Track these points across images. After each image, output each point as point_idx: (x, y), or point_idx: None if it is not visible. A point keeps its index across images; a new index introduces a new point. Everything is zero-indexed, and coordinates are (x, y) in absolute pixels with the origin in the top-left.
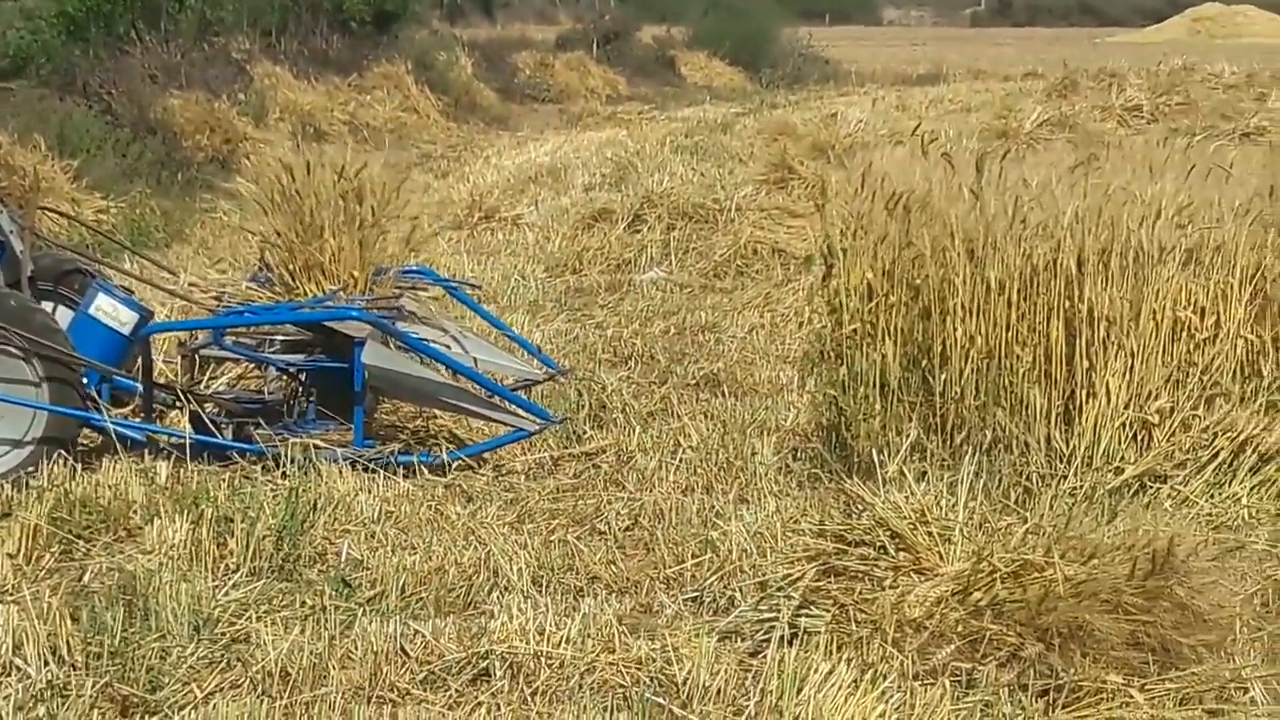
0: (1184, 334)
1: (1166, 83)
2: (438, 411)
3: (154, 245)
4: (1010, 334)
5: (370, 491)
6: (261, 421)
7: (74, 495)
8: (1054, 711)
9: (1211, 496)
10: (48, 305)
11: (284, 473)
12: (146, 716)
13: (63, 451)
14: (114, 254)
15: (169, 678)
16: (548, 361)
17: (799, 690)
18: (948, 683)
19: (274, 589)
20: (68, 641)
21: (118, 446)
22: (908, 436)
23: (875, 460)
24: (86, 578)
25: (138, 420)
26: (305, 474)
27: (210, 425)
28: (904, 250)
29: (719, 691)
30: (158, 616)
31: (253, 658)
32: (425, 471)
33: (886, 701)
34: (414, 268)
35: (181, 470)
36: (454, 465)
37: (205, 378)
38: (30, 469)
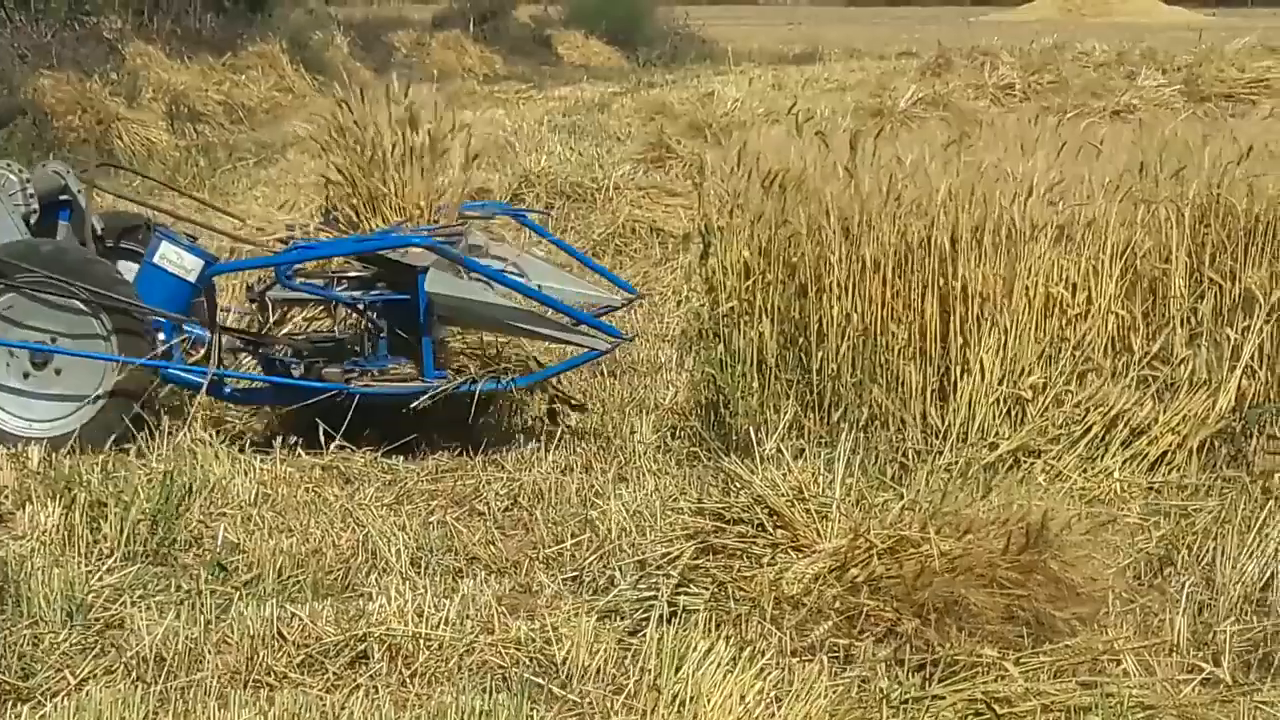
0: (1056, 310)
1: (1038, 61)
2: (507, 337)
3: None
4: (886, 311)
5: (246, 474)
6: (330, 360)
7: None
8: (930, 685)
9: (1084, 471)
10: (117, 261)
11: (158, 456)
12: (19, 704)
13: (136, 405)
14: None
15: (41, 665)
16: (624, 285)
17: (678, 668)
18: (825, 659)
19: (149, 574)
20: None
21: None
22: (785, 414)
23: (753, 438)
24: None
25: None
26: (179, 457)
27: (281, 367)
28: (780, 229)
29: (598, 671)
30: (30, 603)
31: (127, 643)
32: (302, 453)
33: (764, 678)
34: (484, 203)
35: (54, 455)
36: (333, 445)
37: (273, 322)
38: (102, 424)
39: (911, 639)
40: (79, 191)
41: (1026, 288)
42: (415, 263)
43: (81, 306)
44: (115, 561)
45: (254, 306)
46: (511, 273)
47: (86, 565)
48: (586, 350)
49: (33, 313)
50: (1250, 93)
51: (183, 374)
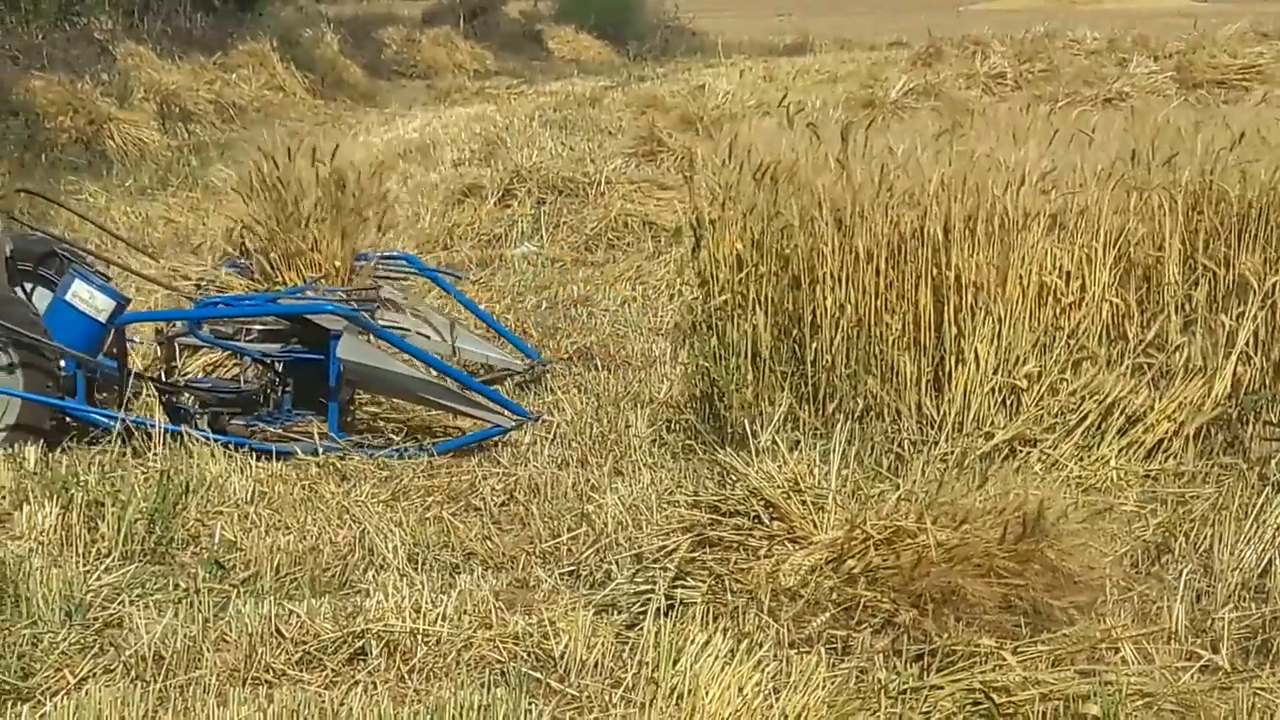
0: (1050, 299)
1: (1030, 49)
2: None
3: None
4: (879, 302)
5: (243, 472)
6: (237, 411)
7: None
8: (928, 676)
9: (1080, 459)
10: (28, 285)
11: (154, 454)
12: (19, 704)
13: (33, 438)
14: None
15: (41, 664)
16: (528, 351)
17: (676, 661)
18: (823, 650)
19: (146, 573)
20: None
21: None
22: (780, 406)
23: (748, 430)
24: None
25: (112, 409)
26: (176, 456)
27: (186, 416)
28: (772, 220)
29: (596, 665)
30: (29, 603)
31: (126, 642)
32: (299, 451)
33: (762, 670)
34: (396, 253)
35: (50, 455)
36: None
37: (182, 363)
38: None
39: (909, 629)
40: None
41: (1020, 276)
42: (328, 326)
43: None
44: (113, 561)
45: (163, 350)
46: (426, 336)
47: (84, 565)
48: (491, 425)
49: None
50: (1242, 79)
51: (88, 414)
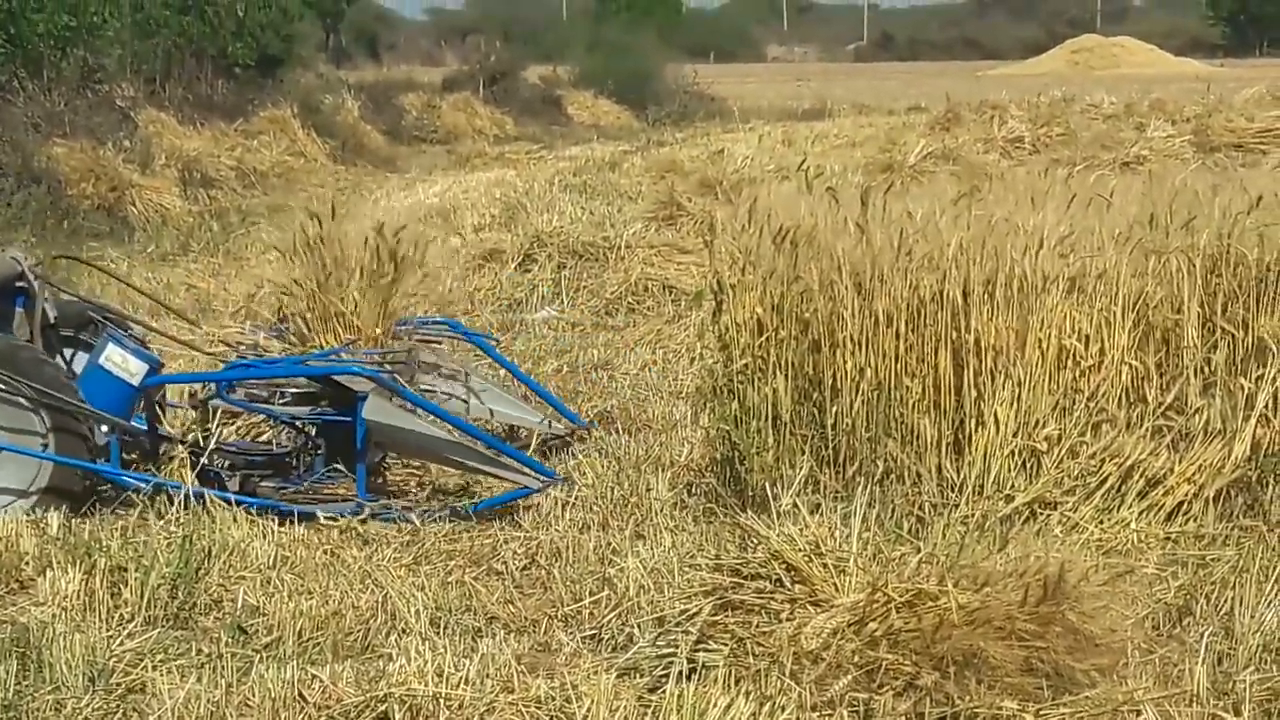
0: (1070, 362)
1: (1047, 114)
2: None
3: None
4: (899, 365)
5: (265, 537)
6: (267, 474)
7: None
8: None
9: (1101, 522)
10: (69, 351)
11: (177, 520)
12: None
13: (68, 503)
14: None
15: None
16: (572, 416)
17: None
18: (845, 713)
19: (169, 638)
20: None
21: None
22: (801, 469)
23: (769, 493)
24: None
25: (143, 471)
26: (198, 521)
27: (216, 478)
28: (792, 284)
29: None
30: (52, 668)
31: (149, 708)
32: (320, 515)
33: None
34: (437, 318)
35: (74, 520)
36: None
37: (218, 427)
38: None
39: (931, 692)
40: (34, 280)
41: (1039, 340)
42: (355, 388)
43: (24, 403)
44: (136, 626)
45: (197, 413)
46: (463, 399)
47: (107, 630)
48: (517, 487)
49: None
50: (1259, 142)
51: (120, 477)
